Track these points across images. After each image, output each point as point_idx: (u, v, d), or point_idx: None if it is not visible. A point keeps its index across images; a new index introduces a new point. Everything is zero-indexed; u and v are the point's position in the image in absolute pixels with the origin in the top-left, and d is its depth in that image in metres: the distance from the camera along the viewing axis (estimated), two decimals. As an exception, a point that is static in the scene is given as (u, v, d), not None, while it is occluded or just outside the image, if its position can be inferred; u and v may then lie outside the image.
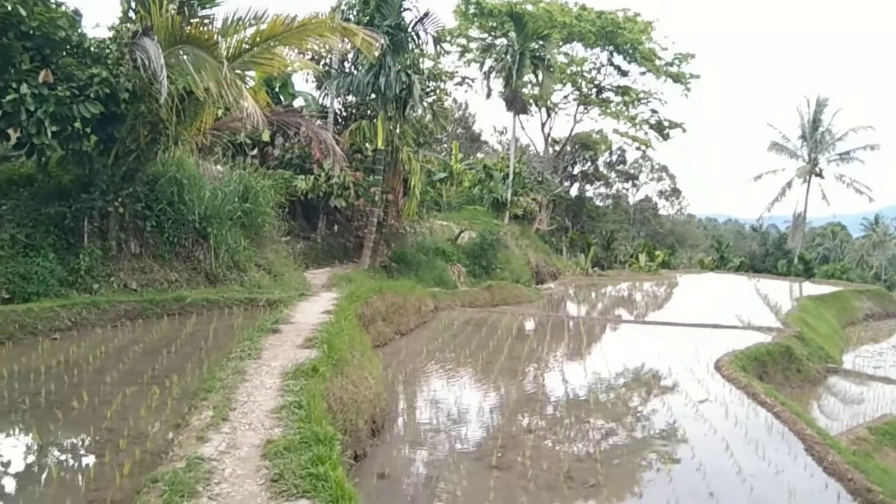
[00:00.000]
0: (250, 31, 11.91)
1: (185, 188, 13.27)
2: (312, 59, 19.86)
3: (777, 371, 13.17)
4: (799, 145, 58.56)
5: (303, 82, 22.53)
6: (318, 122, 17.32)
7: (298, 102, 21.73)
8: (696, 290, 30.56)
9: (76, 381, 6.76)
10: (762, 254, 63.64)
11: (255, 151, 19.45)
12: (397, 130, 19.13)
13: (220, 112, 13.75)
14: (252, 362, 6.56)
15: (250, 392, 5.62)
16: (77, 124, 10.60)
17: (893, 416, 11.47)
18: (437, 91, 20.27)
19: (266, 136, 19.35)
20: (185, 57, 10.98)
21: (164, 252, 12.69)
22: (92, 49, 11.22)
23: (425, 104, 19.19)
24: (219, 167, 16.78)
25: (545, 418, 8.37)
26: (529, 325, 16.43)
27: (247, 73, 14.07)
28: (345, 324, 8.46)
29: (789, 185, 59.26)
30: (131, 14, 11.48)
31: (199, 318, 10.55)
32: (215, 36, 11.04)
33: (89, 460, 5.15)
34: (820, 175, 58.17)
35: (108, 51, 11.09)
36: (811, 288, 32.43)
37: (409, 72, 17.98)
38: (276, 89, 20.58)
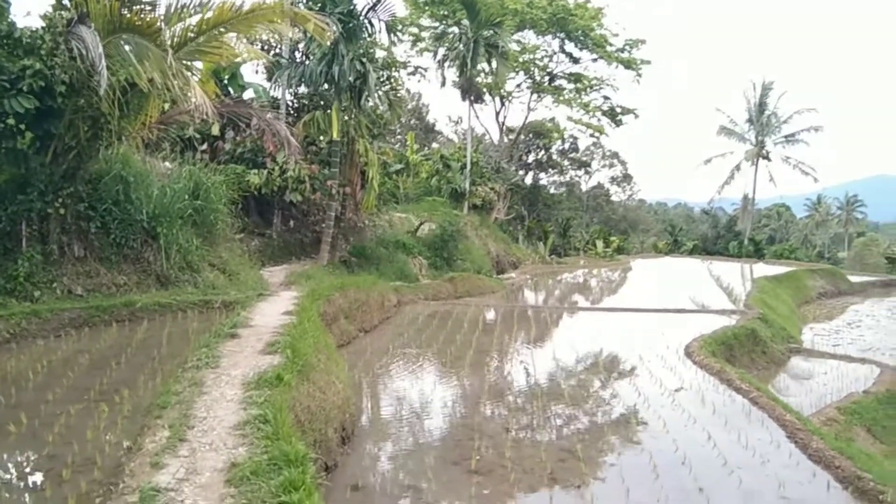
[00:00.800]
0: (195, 18, 11.28)
1: (132, 186, 12.56)
2: (263, 48, 19.20)
3: (743, 353, 13.19)
4: (746, 129, 59.90)
5: (252, 73, 21.82)
6: (270, 113, 16.64)
7: (248, 94, 20.98)
8: (655, 274, 30.89)
9: (14, 400, 6.16)
10: (714, 236, 64.97)
11: (204, 146, 18.69)
12: (352, 121, 18.59)
13: (166, 105, 13.07)
14: (210, 372, 6.08)
15: (210, 406, 5.17)
16: (10, 120, 9.87)
17: (859, 395, 11.58)
18: (392, 80, 19.71)
19: (216, 130, 18.62)
20: (126, 46, 10.30)
21: (110, 254, 11.96)
22: (23, 39, 10.43)
23: (380, 93, 18.66)
24: (167, 164, 16.02)
25: (520, 414, 8.08)
26: (494, 316, 16.16)
27: (194, 63, 13.37)
28: (308, 325, 8.01)
29: (738, 167, 60.54)
30: (65, 1, 10.71)
31: (151, 323, 9.95)
32: (158, 23, 10.36)
33: (26, 496, 4.60)
34: (767, 157, 59.56)
35: (40, 41, 10.31)
36: (764, 269, 33.05)
37: (364, 60, 17.44)
38: (225, 81, 19.82)
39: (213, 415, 4.95)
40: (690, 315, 16.34)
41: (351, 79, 17.34)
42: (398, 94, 20.94)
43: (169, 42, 10.48)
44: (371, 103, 19.21)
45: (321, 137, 19.11)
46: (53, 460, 4.83)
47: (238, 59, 19.56)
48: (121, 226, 12.06)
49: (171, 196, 13.21)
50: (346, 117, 18.29)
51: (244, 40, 13.12)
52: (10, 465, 5.03)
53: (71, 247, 11.60)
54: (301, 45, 20.45)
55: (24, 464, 5.03)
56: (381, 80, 18.28)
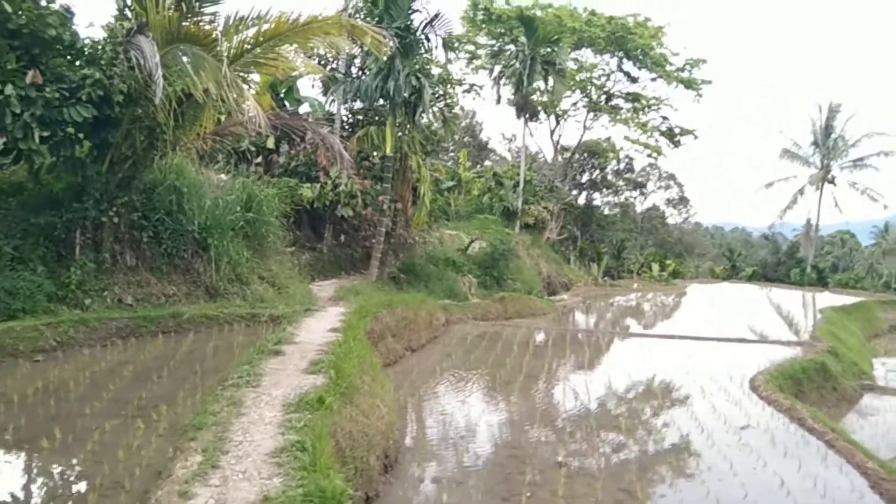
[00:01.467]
0: (253, 30, 11.26)
1: (185, 197, 12.59)
2: (319, 63, 19.27)
3: (812, 389, 12.35)
4: (811, 152, 57.90)
5: (308, 87, 21.93)
6: (325, 127, 16.60)
7: (304, 108, 21.09)
8: (713, 300, 29.76)
9: (52, 411, 6.03)
10: (774, 262, 62.80)
11: (259, 159, 18.80)
12: (406, 137, 18.44)
13: (221, 117, 13.12)
14: (250, 391, 5.82)
15: (247, 429, 4.89)
16: (69, 129, 9.95)
17: (942, 440, 10.66)
18: (447, 96, 19.52)
19: (271, 143, 18.72)
20: (183, 57, 10.33)
21: (161, 264, 11.99)
22: (85, 49, 10.57)
23: (435, 109, 18.48)
24: (222, 176, 16.11)
25: (575, 449, 7.60)
26: (545, 338, 15.64)
27: (250, 75, 13.41)
28: (353, 344, 7.72)
29: (801, 192, 58.53)
30: (127, 12, 10.81)
31: (197, 335, 9.84)
32: (215, 34, 10.35)
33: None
34: (832, 182, 57.40)
35: (101, 51, 10.43)
36: (830, 298, 31.60)
37: (419, 75, 17.29)
38: (281, 95, 19.95)
39: (249, 439, 4.67)
40: (753, 345, 15.52)
41: (406, 94, 17.21)
42: (453, 111, 20.73)
43: (225, 53, 10.45)
44: (425, 119, 19.03)
45: (374, 153, 19.03)
46: (80, 481, 4.61)
47: (295, 73, 19.69)
48: (173, 236, 12.08)
49: (223, 208, 13.21)
50: (400, 133, 18.15)
51: (301, 54, 13.10)
52: (35, 486, 4.83)
53: (123, 256, 11.65)
54: (357, 61, 20.52)
55: (51, 484, 4.83)
56: (437, 96, 18.10)
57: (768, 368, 11.62)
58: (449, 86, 20.30)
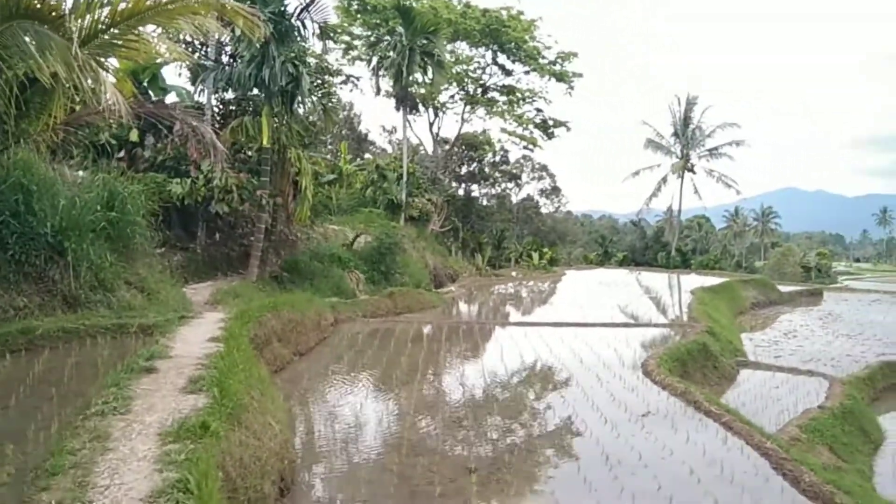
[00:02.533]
0: (107, 9, 10.08)
1: (34, 196, 11.12)
2: (186, 49, 17.91)
3: (696, 369, 12.82)
4: (672, 142, 61.53)
5: (175, 76, 20.38)
6: (194, 116, 15.37)
7: (171, 98, 19.55)
8: (592, 286, 30.66)
9: None
10: (642, 247, 66.33)
11: (121, 153, 17.20)
12: (284, 128, 17.49)
13: (76, 106, 11.75)
14: (119, 419, 5.01)
15: (115, 468, 4.13)
16: None
17: (816, 411, 11.28)
18: (326, 85, 18.71)
19: (134, 136, 17.21)
20: (24, 35, 9.04)
21: (7, 273, 10.48)
22: None
23: (314, 99, 17.63)
24: (79, 172, 14.51)
25: (481, 451, 7.26)
26: (438, 333, 15.32)
27: (107, 60, 12.10)
28: (237, 355, 6.97)
29: (664, 180, 62.14)
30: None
31: (54, 353, 8.64)
32: (62, 9, 9.14)
33: None
34: (692, 170, 61.28)
35: (-80, 28, 8.94)
36: (696, 279, 33.47)
37: (296, 63, 16.40)
38: (145, 83, 18.36)
39: (118, 481, 3.93)
40: (638, 329, 15.95)
41: (283, 82, 16.27)
42: (331, 101, 19.92)
43: (76, 33, 9.26)
44: (304, 109, 18.15)
45: (250, 145, 17.93)
46: None
47: (159, 60, 18.20)
48: (20, 240, 10.60)
49: (81, 207, 11.80)
50: (277, 124, 17.18)
51: (165, 37, 11.97)
52: None
53: (-41, 265, 10.14)
54: (227, 48, 19.30)
55: None
56: (315, 84, 17.26)
57: (657, 352, 11.87)
58: (327, 75, 19.47)
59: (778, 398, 12.42)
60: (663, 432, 7.68)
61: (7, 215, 10.57)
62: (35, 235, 10.87)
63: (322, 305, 14.65)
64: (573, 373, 10.83)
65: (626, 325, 16.62)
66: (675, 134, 61.71)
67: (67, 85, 9.35)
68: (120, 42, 10.25)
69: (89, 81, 8.77)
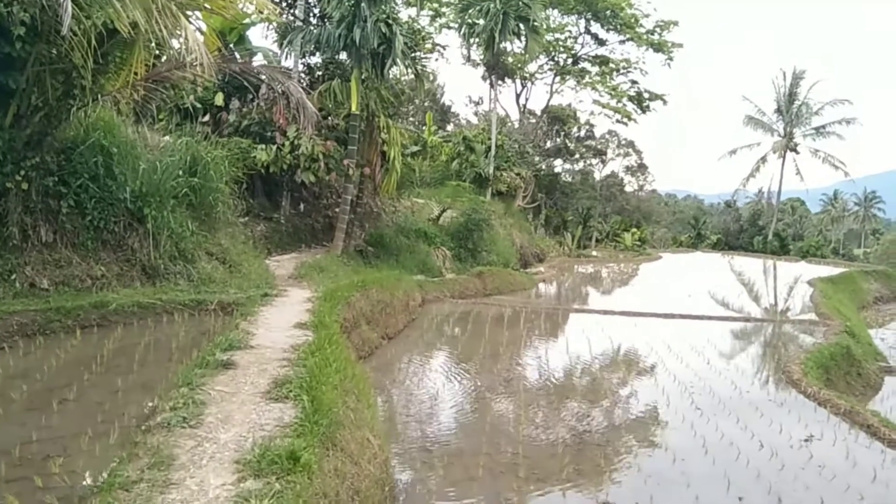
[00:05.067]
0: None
1: (115, 159, 10.41)
2: (274, 9, 17.03)
3: (840, 377, 11.05)
4: (775, 119, 57.46)
5: (262, 38, 19.58)
6: (283, 75, 14.45)
7: (257, 60, 18.79)
8: (699, 274, 28.31)
9: None
10: (736, 230, 62.67)
11: (206, 117, 16.52)
12: (373, 93, 16.40)
13: (157, 62, 10.94)
14: (187, 436, 3.99)
15: (178, 515, 3.07)
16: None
17: None
18: (419, 46, 17.45)
19: (219, 100, 16.48)
20: (102, -20, 8.17)
21: (86, 240, 9.83)
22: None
23: (408, 62, 16.42)
24: (167, 138, 13.86)
25: (614, 475, 5.97)
26: (539, 319, 13.98)
27: (194, 16, 11.23)
28: (329, 349, 5.89)
29: (763, 160, 58.29)
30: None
31: (127, 331, 7.86)
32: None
33: None
34: (795, 150, 57.15)
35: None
36: (807, 268, 30.85)
37: (390, 22, 15.21)
38: (231, 45, 17.62)
39: (179, 543, 2.86)
40: (769, 326, 14.18)
41: (374, 44, 15.12)
42: (424, 65, 18.69)
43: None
44: (396, 72, 16.99)
45: (337, 111, 16.95)
46: None
47: (246, 20, 17.44)
48: (99, 206, 9.92)
49: (162, 172, 11.06)
50: (366, 89, 16.11)
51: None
52: None
53: (37, 230, 9.46)
54: (316, 10, 18.34)
55: None
56: (409, 46, 16.02)
57: (801, 358, 10.23)
58: (419, 36, 18.23)
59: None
60: (840, 468, 6.17)
61: (86, 178, 9.89)
62: (114, 201, 10.18)
63: (411, 285, 13.60)
64: (703, 378, 9.34)
65: (761, 320, 14.84)
66: (779, 110, 57.56)
67: (148, 36, 8.47)
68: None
69: (169, 29, 7.81)
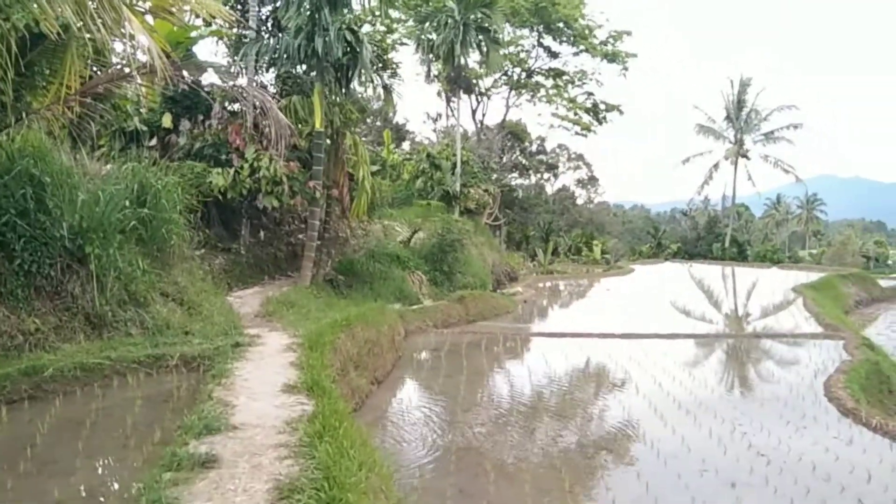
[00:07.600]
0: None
1: (48, 190, 8.81)
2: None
3: (873, 394, 10.12)
4: (725, 126, 58.14)
5: (210, 54, 18.05)
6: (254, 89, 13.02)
7: (209, 78, 17.24)
8: (679, 285, 27.33)
9: None
10: (694, 238, 62.95)
11: (153, 141, 14.93)
12: (338, 108, 15.08)
13: (94, 72, 9.44)
14: None
15: None
16: None
17: None
18: (386, 59, 16.21)
19: (167, 121, 14.93)
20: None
21: (14, 288, 8.18)
22: None
23: (376, 73, 15.15)
24: (109, 165, 12.20)
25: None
26: (538, 349, 12.68)
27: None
28: (342, 430, 4.48)
29: (716, 166, 58.94)
30: None
31: (68, 403, 6.31)
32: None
33: None
34: (746, 156, 57.92)
35: None
36: (781, 274, 30.54)
37: (354, 29, 13.94)
38: (178, 61, 16.04)
39: None
40: (775, 341, 13.25)
41: (339, 54, 13.81)
42: (393, 77, 17.46)
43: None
44: (363, 86, 15.70)
45: (300, 129, 15.54)
46: None
47: (193, 34, 15.92)
48: (30, 246, 8.30)
49: (105, 203, 9.45)
50: (331, 104, 14.77)
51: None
52: None
53: (-50, 279, 7.87)
54: (269, 23, 16.99)
55: None
56: (377, 55, 14.78)
57: (839, 378, 9.24)
58: (383, 47, 17.01)
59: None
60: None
61: (12, 214, 8.26)
62: (49, 239, 8.54)
63: (393, 317, 12.23)
64: (745, 413, 8.22)
65: (791, 335, 13.83)
66: (728, 118, 58.36)
67: (82, 40, 7.02)
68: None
69: (109, 27, 6.38)
